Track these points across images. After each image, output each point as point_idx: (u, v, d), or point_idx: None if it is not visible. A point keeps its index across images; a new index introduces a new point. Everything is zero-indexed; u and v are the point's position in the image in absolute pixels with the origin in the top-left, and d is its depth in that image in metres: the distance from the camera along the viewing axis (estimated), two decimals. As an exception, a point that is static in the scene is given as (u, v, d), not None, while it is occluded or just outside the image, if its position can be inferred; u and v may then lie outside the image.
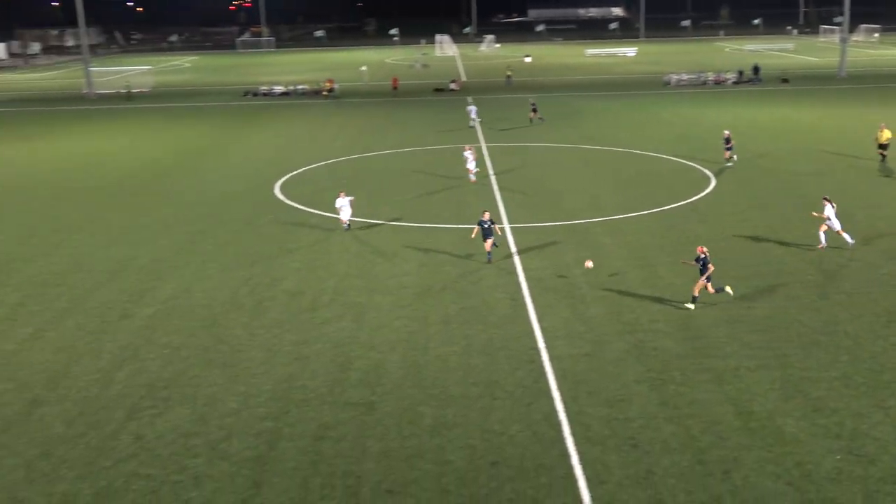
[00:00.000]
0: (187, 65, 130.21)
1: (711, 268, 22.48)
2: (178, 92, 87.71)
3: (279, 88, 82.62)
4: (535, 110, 57.03)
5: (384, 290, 25.02)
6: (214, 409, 18.11)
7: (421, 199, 36.29)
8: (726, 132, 41.70)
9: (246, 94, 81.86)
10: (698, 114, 60.39)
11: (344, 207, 31.12)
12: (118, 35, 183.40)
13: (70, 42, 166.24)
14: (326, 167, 44.54)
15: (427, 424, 17.21)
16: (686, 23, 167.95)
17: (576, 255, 27.53)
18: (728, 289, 23.17)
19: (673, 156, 44.03)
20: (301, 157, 47.28)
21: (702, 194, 35.63)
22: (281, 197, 37.57)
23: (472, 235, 27.54)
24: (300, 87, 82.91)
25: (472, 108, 57.34)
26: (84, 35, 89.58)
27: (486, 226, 26.97)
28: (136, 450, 16.60)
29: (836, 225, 27.24)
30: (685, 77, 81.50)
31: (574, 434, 16.60)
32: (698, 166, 40.95)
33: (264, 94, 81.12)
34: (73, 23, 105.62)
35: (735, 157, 41.08)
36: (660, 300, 23.45)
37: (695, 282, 22.87)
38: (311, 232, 31.44)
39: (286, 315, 23.44)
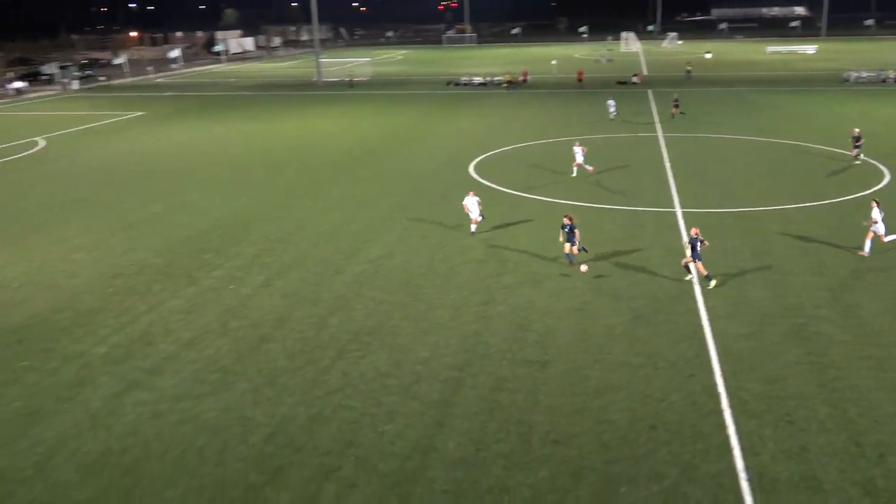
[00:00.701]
0: (400, 57, 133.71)
1: (706, 244, 22.26)
2: (391, 81, 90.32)
3: (478, 79, 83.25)
4: (676, 105, 54.33)
5: (561, 263, 24.88)
6: (408, 356, 18.76)
7: (598, 182, 35.64)
8: (856, 130, 38.14)
9: (448, 83, 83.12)
10: (875, 110, 55.60)
11: (471, 206, 27.80)
12: (343, 31, 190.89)
13: (305, 37, 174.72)
14: (517, 150, 44.59)
15: (592, 386, 17.07)
16: (869, 22, 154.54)
17: (744, 241, 26.26)
18: (713, 282, 22.26)
19: (847, 150, 40.88)
20: (494, 140, 47.54)
21: (874, 188, 32.90)
22: (474, 175, 38.03)
23: (561, 239, 24.82)
24: (496, 78, 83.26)
25: (612, 103, 55.54)
26: (316, 31, 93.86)
27: (566, 229, 24.08)
28: (342, 384, 17.49)
29: (881, 229, 24.26)
30: (865, 74, 75.06)
31: (732, 406, 15.96)
32: (872, 161, 37.80)
33: (464, 84, 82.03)
34: (308, 20, 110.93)
35: (861, 158, 37.64)
36: (825, 287, 22.00)
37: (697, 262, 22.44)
38: (499, 207, 31.65)
39: (474, 280, 23.80)
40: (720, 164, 39.16)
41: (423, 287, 23.32)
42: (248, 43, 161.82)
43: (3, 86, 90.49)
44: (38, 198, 36.50)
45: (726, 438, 14.83)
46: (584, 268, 23.76)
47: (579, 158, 36.59)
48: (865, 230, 24.55)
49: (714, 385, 16.91)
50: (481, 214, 28.08)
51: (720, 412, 15.79)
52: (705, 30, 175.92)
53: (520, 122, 55.23)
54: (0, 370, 18.74)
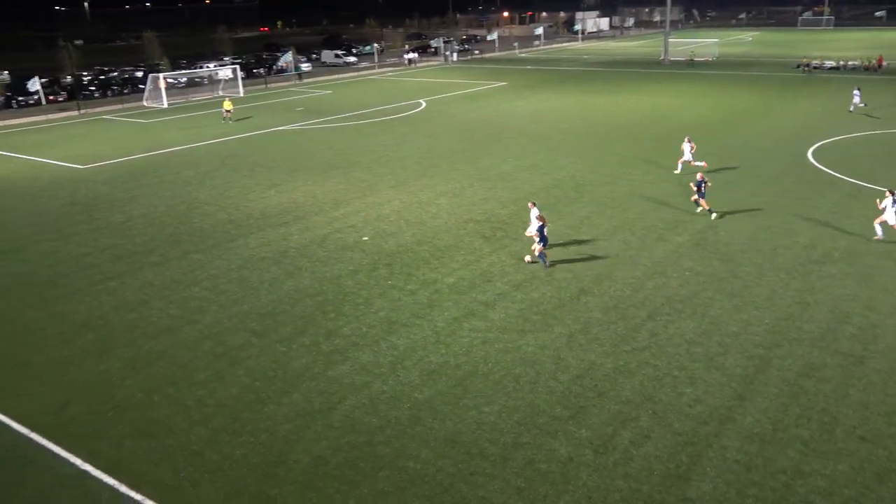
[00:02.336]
0: (749, 39, 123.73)
1: (709, 184, 26.73)
2: (736, 62, 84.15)
3: (829, 63, 74.33)
4: None
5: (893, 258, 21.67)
6: (717, 328, 17.76)
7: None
8: None
9: (797, 66, 75.20)
10: None
11: (532, 222, 22.07)
12: (695, 12, 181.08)
13: (657, 18, 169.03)
14: (866, 138, 39.20)
15: (915, 390, 14.77)
16: None
17: None
18: (714, 215, 25.99)
19: None
20: (838, 125, 42.22)
21: None
22: (812, 160, 34.27)
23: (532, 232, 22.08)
24: (850, 62, 73.59)
25: (857, 93, 46.04)
26: (668, 12, 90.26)
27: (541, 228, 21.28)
28: (649, 344, 17.13)
29: (891, 218, 22.63)
30: None
31: None
32: None
33: (815, 68, 73.67)
34: (662, 2, 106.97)
35: None
36: None
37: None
38: (835, 194, 28.28)
39: (796, 264, 21.67)
40: None
41: (742, 264, 21.77)
42: (603, 23, 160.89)
43: (401, 56, 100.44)
44: (417, 149, 40.21)
45: None
46: (527, 258, 22.24)
47: (687, 155, 32.08)
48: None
49: None
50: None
51: None
52: None
53: (870, 109, 48.29)
54: (373, 285, 21.27)
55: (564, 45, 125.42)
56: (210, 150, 42.57)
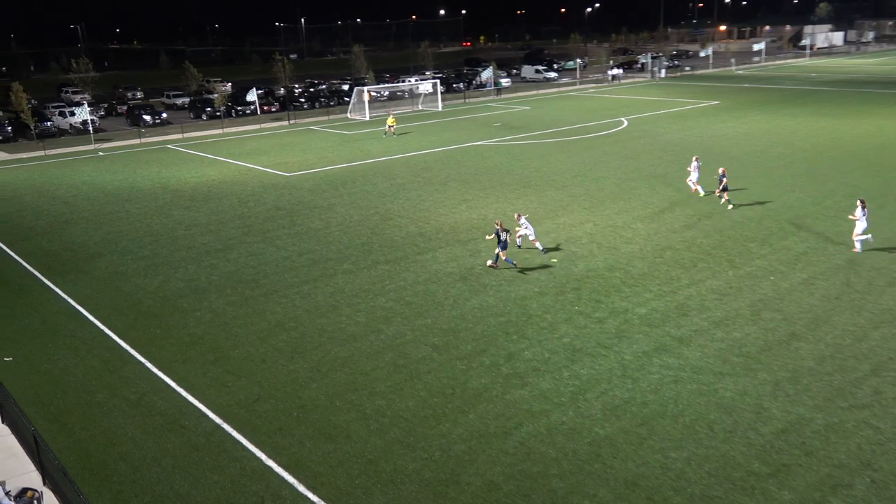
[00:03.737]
0: None
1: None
2: None
3: None
4: None
5: None
6: (960, 393, 15.70)
7: None
8: None
9: None
10: None
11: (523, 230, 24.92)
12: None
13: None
14: None
15: None
16: None
17: None
18: (730, 206, 29.94)
19: None
20: None
21: None
22: None
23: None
24: None
25: None
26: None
27: (500, 235, 23.83)
28: (871, 402, 15.50)
29: (859, 227, 23.89)
30: None
31: None
32: None
33: None
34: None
35: None
36: None
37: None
38: None
39: None
40: None
41: None
42: (836, 38, 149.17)
43: (604, 72, 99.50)
44: (616, 170, 39.51)
45: None
46: (489, 262, 24.51)
47: (694, 176, 32.73)
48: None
49: None
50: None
51: None
52: None
53: None
54: (558, 309, 21.10)
55: (788, 61, 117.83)
56: (406, 162, 44.57)
